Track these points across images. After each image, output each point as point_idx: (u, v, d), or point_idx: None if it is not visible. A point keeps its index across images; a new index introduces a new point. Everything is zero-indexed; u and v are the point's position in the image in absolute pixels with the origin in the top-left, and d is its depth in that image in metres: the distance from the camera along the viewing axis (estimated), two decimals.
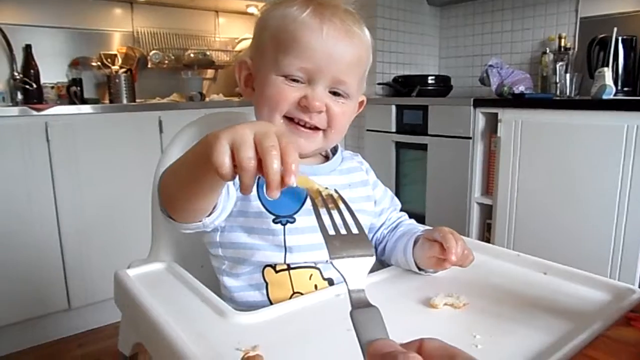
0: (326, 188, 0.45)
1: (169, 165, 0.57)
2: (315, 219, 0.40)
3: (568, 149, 1.81)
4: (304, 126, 0.67)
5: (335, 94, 0.67)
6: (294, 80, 0.65)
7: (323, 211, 0.42)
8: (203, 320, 0.55)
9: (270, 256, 0.67)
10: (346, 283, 0.35)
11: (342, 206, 0.43)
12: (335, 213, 0.42)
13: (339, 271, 0.36)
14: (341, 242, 0.38)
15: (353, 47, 0.66)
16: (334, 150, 0.78)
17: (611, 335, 0.51)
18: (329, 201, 0.43)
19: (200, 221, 0.59)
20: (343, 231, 0.40)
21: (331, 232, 0.39)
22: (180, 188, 0.55)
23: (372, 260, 0.38)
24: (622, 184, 1.67)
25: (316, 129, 0.67)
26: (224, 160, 0.42)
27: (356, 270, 0.36)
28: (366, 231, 0.78)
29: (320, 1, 0.66)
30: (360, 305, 0.33)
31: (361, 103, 0.76)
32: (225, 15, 2.95)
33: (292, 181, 0.41)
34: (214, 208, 0.58)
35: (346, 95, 0.68)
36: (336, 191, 0.45)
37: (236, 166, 0.42)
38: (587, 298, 0.60)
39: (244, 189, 0.42)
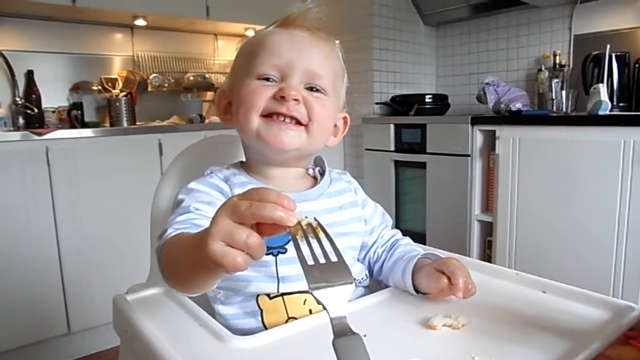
0: (305, 217, 0.44)
1: (167, 239, 0.56)
2: (295, 250, 0.40)
3: (566, 165, 1.82)
4: (283, 121, 0.66)
5: (311, 89, 0.68)
6: (267, 79, 0.67)
7: (303, 242, 0.41)
8: (201, 345, 0.55)
9: (264, 287, 0.66)
10: (327, 311, 0.35)
11: (321, 235, 0.42)
12: (314, 242, 0.41)
13: (319, 300, 0.36)
14: (320, 272, 0.38)
15: (321, 44, 0.70)
16: (322, 172, 0.77)
17: (610, 355, 0.50)
18: (308, 231, 0.43)
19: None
20: (322, 260, 0.40)
21: (310, 262, 0.39)
22: (191, 285, 0.53)
23: (351, 287, 0.38)
24: (622, 198, 1.68)
25: (298, 123, 0.67)
26: (237, 261, 0.40)
27: (336, 298, 0.36)
28: (356, 252, 0.78)
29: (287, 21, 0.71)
30: (342, 334, 0.33)
31: (345, 120, 0.77)
32: (223, 38, 2.99)
33: (295, 205, 0.41)
34: None
35: (323, 91, 0.69)
36: (315, 219, 0.45)
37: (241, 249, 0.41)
38: (586, 316, 0.60)
39: (258, 259, 0.42)
